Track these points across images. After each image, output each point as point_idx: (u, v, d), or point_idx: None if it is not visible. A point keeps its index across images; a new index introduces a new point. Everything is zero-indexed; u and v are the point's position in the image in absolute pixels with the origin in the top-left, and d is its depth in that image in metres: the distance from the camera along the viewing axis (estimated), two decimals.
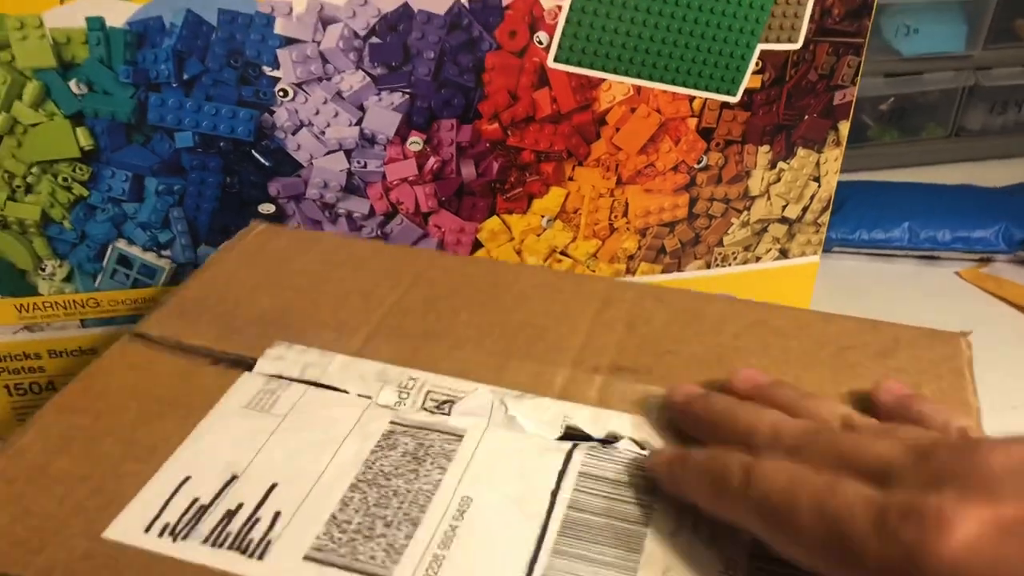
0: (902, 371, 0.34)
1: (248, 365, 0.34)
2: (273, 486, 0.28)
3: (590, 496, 0.28)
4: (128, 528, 0.27)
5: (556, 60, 0.47)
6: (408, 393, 0.32)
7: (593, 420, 0.31)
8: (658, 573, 0.26)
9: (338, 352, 0.34)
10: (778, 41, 0.48)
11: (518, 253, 0.52)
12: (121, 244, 0.47)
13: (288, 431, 0.31)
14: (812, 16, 0.48)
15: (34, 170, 0.44)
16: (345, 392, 0.33)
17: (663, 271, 0.54)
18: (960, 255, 0.68)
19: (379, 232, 0.49)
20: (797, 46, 0.49)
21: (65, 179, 0.44)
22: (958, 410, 0.31)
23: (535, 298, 0.38)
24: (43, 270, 0.47)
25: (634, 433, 0.30)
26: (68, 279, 0.47)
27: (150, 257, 0.48)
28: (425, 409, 0.32)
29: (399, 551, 0.27)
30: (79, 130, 0.43)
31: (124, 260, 0.48)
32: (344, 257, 0.41)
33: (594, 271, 0.53)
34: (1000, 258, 0.68)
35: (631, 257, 0.53)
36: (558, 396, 0.32)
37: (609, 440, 0.30)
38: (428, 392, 0.32)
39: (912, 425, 0.28)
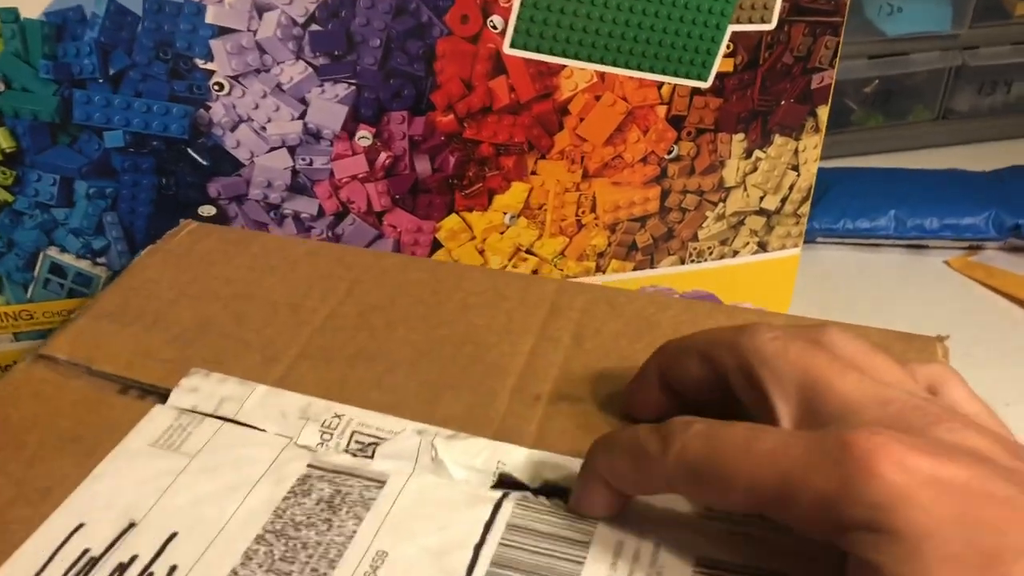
0: None
1: (161, 396, 0.31)
2: (173, 535, 0.25)
3: (518, 551, 0.25)
4: None
5: (512, 46, 0.43)
6: (331, 433, 0.29)
7: (527, 466, 0.28)
8: None
9: (259, 382, 0.31)
10: (750, 21, 0.45)
11: (480, 252, 0.49)
12: (53, 252, 0.44)
13: (196, 473, 0.27)
14: None
15: None
16: (263, 431, 0.29)
17: (635, 268, 0.51)
18: (949, 243, 0.65)
19: (330, 234, 0.46)
20: (771, 26, 0.46)
21: None
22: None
23: (477, 308, 0.35)
24: None
25: (569, 481, 0.27)
26: None
27: (84, 265, 0.45)
28: (348, 452, 0.29)
29: None
30: None
31: (57, 269, 0.44)
32: (277, 261, 0.38)
33: (562, 270, 0.51)
34: (990, 246, 0.65)
35: (601, 254, 0.50)
36: (493, 434, 0.29)
37: (542, 491, 0.27)
38: (353, 433, 0.29)
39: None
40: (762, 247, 0.53)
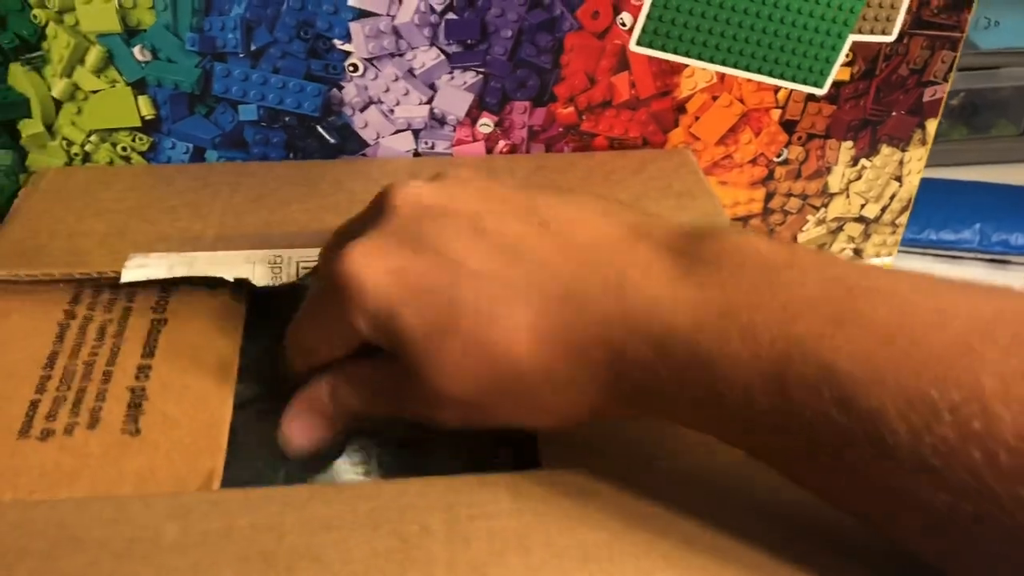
0: (654, 178, 0.44)
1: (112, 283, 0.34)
2: None
3: None
4: None
5: (639, 43, 0.44)
6: (280, 267, 0.34)
7: None
8: None
9: (196, 251, 0.35)
10: (871, 33, 0.46)
11: None
12: None
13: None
14: (909, 7, 0.45)
15: (93, 138, 0.42)
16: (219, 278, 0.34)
17: None
18: None
19: None
20: (891, 39, 0.46)
21: (124, 149, 0.43)
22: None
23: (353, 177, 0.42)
24: None
25: None
26: None
27: None
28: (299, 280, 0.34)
29: None
30: (141, 99, 0.42)
31: None
32: (154, 180, 0.41)
33: None
34: None
35: None
36: None
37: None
38: (299, 262, 0.34)
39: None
40: (857, 254, 0.53)
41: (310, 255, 0.34)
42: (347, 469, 0.31)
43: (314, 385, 0.30)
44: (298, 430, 0.30)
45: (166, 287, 0.34)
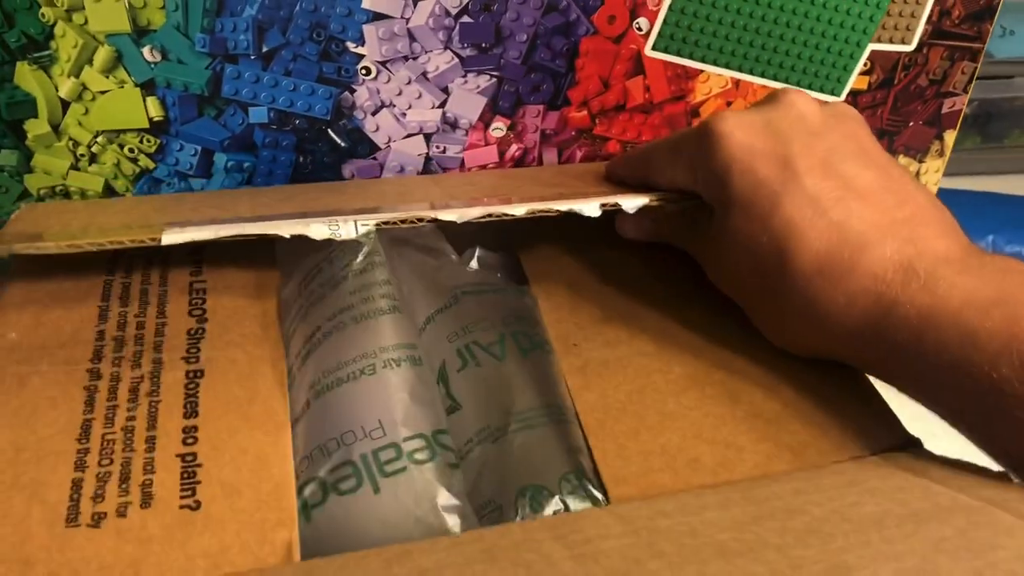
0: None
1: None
2: None
3: None
4: None
5: (654, 48, 0.44)
6: (337, 224, 0.31)
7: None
8: None
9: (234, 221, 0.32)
10: (891, 42, 0.45)
11: None
12: None
13: None
14: (930, 17, 0.45)
15: (100, 139, 0.41)
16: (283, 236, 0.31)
17: None
18: None
19: None
20: (910, 48, 0.45)
21: (131, 150, 0.42)
22: None
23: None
24: None
25: None
26: None
27: None
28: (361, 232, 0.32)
29: None
30: (149, 100, 0.41)
31: None
32: (156, 203, 0.39)
33: None
34: None
35: None
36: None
37: None
38: (356, 220, 0.31)
39: None
40: None
41: (365, 218, 0.32)
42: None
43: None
44: (632, 224, 0.38)
45: (199, 291, 0.33)
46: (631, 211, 0.34)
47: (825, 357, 0.32)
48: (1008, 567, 0.21)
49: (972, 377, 0.27)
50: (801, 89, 0.34)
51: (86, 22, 0.38)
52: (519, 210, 0.32)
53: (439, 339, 0.35)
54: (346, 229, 0.31)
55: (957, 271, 0.28)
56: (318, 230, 0.31)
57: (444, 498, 0.27)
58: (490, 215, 0.32)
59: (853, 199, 0.31)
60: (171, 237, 0.30)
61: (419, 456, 0.28)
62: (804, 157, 0.31)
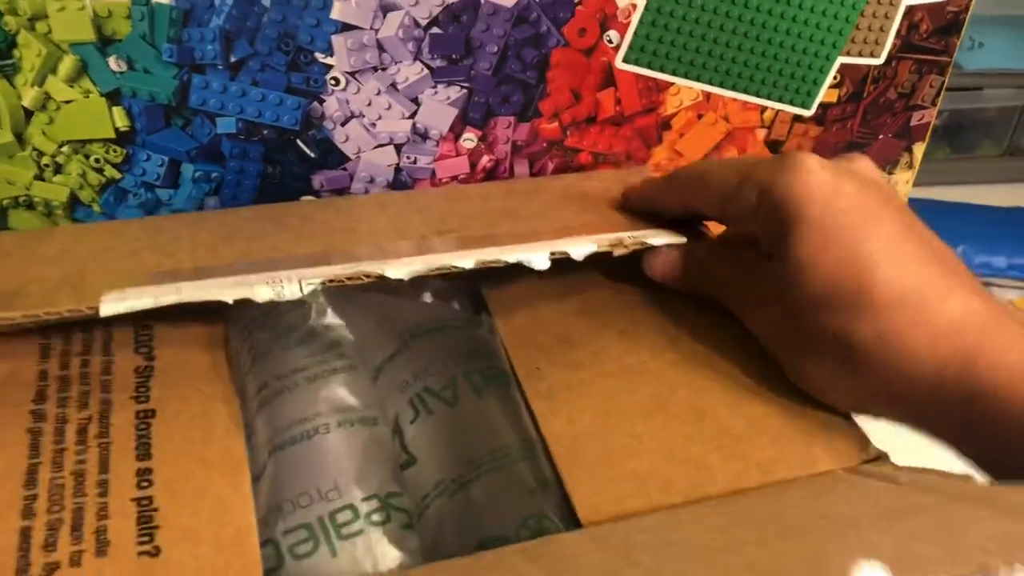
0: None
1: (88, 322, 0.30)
2: None
3: None
4: None
5: (625, 60, 0.44)
6: (281, 284, 0.30)
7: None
8: None
9: (177, 281, 0.31)
10: (860, 55, 0.45)
11: None
12: None
13: None
14: (898, 31, 0.45)
15: (64, 149, 0.41)
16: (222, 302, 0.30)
17: None
18: (1015, 283, 0.65)
19: None
20: (879, 61, 0.46)
21: (97, 160, 0.42)
22: None
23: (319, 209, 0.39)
24: None
25: None
26: None
27: None
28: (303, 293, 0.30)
29: None
30: (115, 110, 0.41)
31: None
32: (97, 235, 0.37)
33: None
34: None
35: None
36: None
37: None
38: (300, 280, 0.30)
39: None
40: None
41: (310, 274, 0.31)
42: None
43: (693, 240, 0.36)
44: (661, 264, 0.36)
45: (145, 336, 0.31)
46: (579, 258, 0.33)
47: (885, 409, 0.31)
48: (981, 546, 0.21)
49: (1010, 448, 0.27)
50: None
51: (50, 31, 0.38)
52: (468, 262, 0.31)
53: (391, 390, 0.34)
54: (290, 289, 0.30)
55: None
56: (262, 292, 0.30)
57: (401, 559, 0.27)
58: (439, 268, 0.31)
59: (933, 252, 0.31)
60: (109, 307, 0.29)
61: (375, 518, 0.28)
62: (884, 207, 0.31)
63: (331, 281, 0.30)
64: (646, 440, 0.30)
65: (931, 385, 0.29)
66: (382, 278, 0.31)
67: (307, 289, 0.30)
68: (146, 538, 0.25)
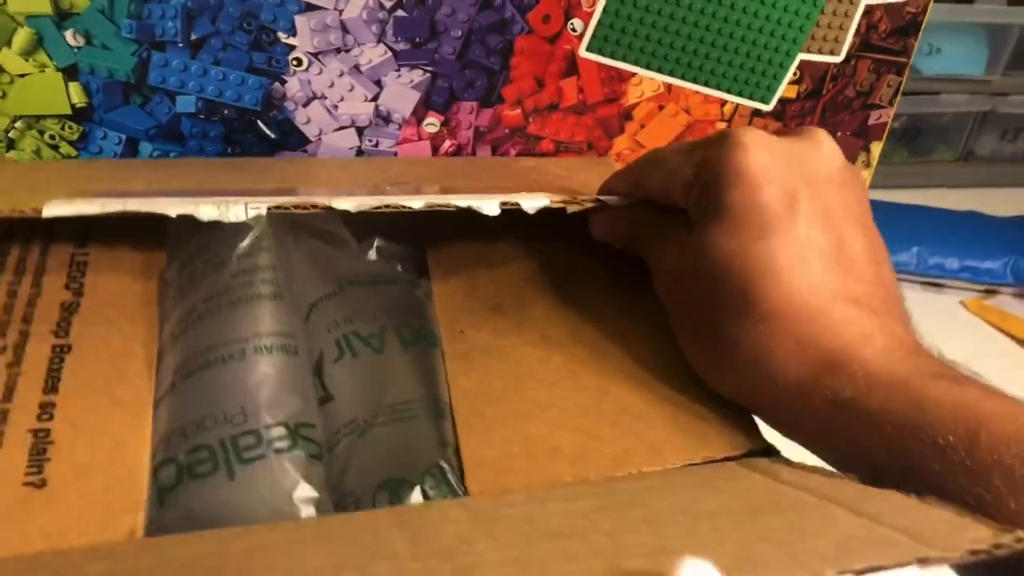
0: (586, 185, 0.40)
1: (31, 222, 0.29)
2: None
3: None
4: None
5: (588, 49, 0.44)
6: (227, 205, 0.29)
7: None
8: None
9: (123, 196, 0.30)
10: (819, 52, 0.46)
11: None
12: None
13: None
14: (857, 30, 0.46)
15: (18, 124, 0.40)
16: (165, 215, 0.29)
17: None
18: (967, 285, 0.67)
19: None
20: (839, 59, 0.46)
21: (52, 137, 0.41)
22: None
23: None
24: None
25: None
26: None
27: None
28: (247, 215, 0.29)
29: None
30: (72, 85, 0.40)
31: None
32: (56, 168, 0.38)
33: None
34: (1006, 291, 0.67)
35: None
36: None
37: None
38: (247, 203, 0.29)
39: None
40: None
41: (257, 201, 0.30)
42: None
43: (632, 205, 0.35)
44: (603, 223, 0.36)
45: (80, 265, 0.31)
46: (531, 211, 0.33)
47: (751, 405, 0.32)
48: (823, 552, 0.21)
49: (918, 440, 0.27)
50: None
51: (4, 2, 0.37)
52: (417, 203, 0.31)
53: (319, 328, 0.34)
54: (235, 211, 0.29)
55: (911, 353, 0.29)
56: (206, 211, 0.29)
57: (302, 490, 0.27)
58: (387, 206, 0.30)
59: (839, 261, 0.30)
60: (53, 210, 0.28)
61: (279, 445, 0.28)
62: (811, 200, 0.31)
63: (278, 208, 0.30)
64: (547, 407, 0.31)
65: (796, 392, 0.29)
66: (329, 208, 0.30)
67: (251, 213, 0.30)
68: (34, 469, 0.25)
